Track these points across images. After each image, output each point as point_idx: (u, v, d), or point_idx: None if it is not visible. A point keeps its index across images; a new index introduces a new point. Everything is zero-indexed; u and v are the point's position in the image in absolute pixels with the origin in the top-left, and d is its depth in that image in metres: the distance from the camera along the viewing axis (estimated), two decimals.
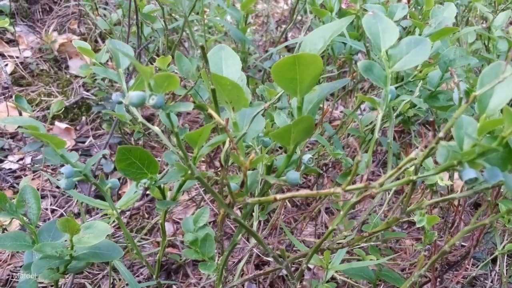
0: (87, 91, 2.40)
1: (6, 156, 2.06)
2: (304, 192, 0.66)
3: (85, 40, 2.70)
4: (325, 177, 1.93)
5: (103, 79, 2.10)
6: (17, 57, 2.50)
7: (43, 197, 1.94)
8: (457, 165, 0.65)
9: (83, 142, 2.18)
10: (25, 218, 1.01)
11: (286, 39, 2.63)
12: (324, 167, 1.87)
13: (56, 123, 2.20)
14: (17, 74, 2.44)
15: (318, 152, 1.59)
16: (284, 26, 2.82)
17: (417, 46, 0.75)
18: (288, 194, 0.68)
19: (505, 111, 0.56)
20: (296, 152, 0.87)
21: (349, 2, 1.07)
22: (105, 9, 2.40)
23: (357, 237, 0.83)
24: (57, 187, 1.99)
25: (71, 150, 2.14)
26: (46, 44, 2.58)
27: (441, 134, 0.64)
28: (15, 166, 2.03)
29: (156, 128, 0.72)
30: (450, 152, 0.67)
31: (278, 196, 0.68)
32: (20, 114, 2.12)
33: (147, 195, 1.96)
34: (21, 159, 2.07)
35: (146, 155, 0.76)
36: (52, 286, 1.44)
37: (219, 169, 1.74)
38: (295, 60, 0.72)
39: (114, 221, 1.58)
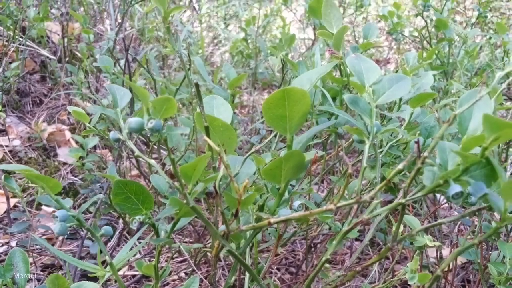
0: (75, 176, 2.41)
1: None
2: (297, 214, 0.68)
3: (74, 129, 2.76)
4: (313, 254, 1.92)
5: (92, 163, 2.13)
6: (6, 146, 2.54)
7: (28, 280, 1.89)
8: (443, 184, 0.68)
9: (70, 226, 2.16)
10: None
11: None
12: (312, 244, 1.87)
13: (43, 207, 2.19)
14: (5, 161, 2.46)
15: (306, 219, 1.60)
16: None
17: (398, 82, 0.81)
18: (282, 218, 0.69)
19: (484, 119, 0.59)
20: (285, 195, 0.90)
21: (332, 50, 1.14)
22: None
23: (351, 273, 0.84)
24: (42, 270, 1.95)
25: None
26: (35, 133, 2.63)
27: (426, 154, 0.68)
28: (0, 250, 2.00)
29: (152, 161, 0.74)
30: (436, 174, 0.70)
31: (272, 220, 0.69)
32: (8, 198, 2.13)
33: (134, 276, 1.92)
34: (7, 242, 2.04)
35: (142, 189, 0.78)
36: None
37: (208, 240, 1.73)
38: (284, 94, 0.76)
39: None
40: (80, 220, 0.88)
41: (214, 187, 0.73)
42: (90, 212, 2.22)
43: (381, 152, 1.19)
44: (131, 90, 1.73)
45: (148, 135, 1.78)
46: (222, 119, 0.90)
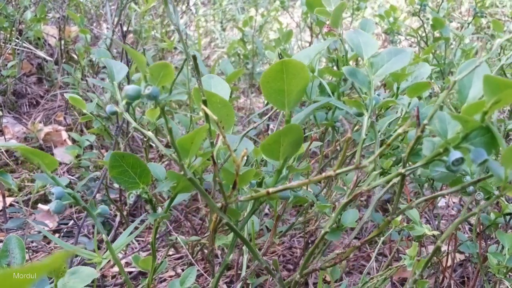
0: (72, 175, 2.40)
1: None
2: (295, 183, 0.67)
3: (70, 130, 2.75)
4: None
5: (89, 159, 2.12)
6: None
7: None
8: (442, 153, 0.67)
9: (66, 224, 2.15)
10: None
11: (268, 127, 2.72)
12: (310, 240, 1.86)
13: (40, 205, 2.18)
14: (2, 161, 2.45)
15: (304, 215, 1.59)
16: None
17: (397, 55, 0.80)
18: (280, 187, 0.69)
19: (485, 80, 0.59)
20: (283, 172, 0.89)
21: (330, 26, 1.14)
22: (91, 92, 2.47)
23: (350, 249, 0.83)
24: None
25: (54, 231, 2.12)
26: (31, 133, 2.62)
27: (425, 121, 0.67)
28: None
29: (149, 133, 0.74)
30: (435, 144, 0.69)
31: (271, 190, 0.69)
32: (3, 195, 2.11)
33: (131, 272, 1.91)
34: (1, 241, 2.02)
35: (139, 163, 0.77)
36: None
37: (206, 234, 1.72)
38: (282, 67, 0.75)
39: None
40: (76, 198, 0.87)
41: (212, 157, 0.73)
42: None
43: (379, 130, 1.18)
44: (129, 82, 1.73)
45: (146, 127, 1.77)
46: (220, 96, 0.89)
